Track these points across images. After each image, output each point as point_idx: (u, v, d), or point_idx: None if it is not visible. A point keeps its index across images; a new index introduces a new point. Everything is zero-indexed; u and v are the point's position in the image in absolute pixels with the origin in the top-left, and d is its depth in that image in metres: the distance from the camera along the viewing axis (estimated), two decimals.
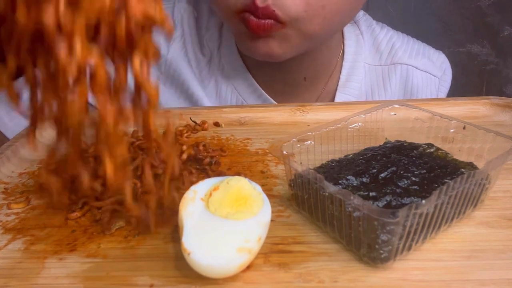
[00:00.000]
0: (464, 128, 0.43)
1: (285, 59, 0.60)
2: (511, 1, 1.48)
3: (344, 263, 0.33)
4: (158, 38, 0.73)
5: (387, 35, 0.77)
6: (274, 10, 0.54)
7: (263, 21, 0.54)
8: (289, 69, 0.68)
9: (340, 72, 0.74)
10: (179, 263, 0.32)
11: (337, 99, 0.73)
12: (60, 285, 0.32)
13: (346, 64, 0.74)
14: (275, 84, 0.71)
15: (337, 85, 0.73)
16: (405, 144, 0.43)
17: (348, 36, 0.74)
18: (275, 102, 0.71)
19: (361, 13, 0.77)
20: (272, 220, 0.35)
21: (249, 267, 0.32)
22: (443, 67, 0.78)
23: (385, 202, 0.34)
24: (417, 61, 0.76)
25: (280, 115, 0.60)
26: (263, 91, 0.70)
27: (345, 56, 0.74)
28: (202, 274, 0.30)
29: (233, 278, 0.31)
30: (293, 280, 0.31)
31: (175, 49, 0.72)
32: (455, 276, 0.31)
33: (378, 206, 0.33)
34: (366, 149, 0.42)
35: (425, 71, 0.76)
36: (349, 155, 0.42)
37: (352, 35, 0.75)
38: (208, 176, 0.44)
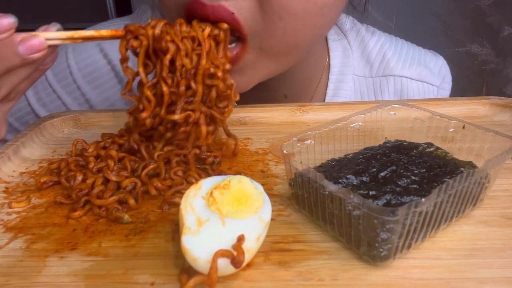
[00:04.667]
0: (463, 127, 0.43)
1: (249, 87, 0.55)
2: (511, 1, 1.49)
3: (344, 261, 0.33)
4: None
5: (377, 44, 0.71)
6: (232, 12, 0.46)
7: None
8: (267, 87, 0.62)
9: (327, 86, 0.69)
10: (180, 261, 0.32)
11: None
12: (61, 283, 0.32)
13: (332, 78, 0.69)
14: (254, 103, 0.64)
15: (324, 100, 0.69)
16: (404, 143, 0.43)
17: (333, 47, 0.69)
18: None
19: (348, 19, 0.72)
20: (272, 219, 0.35)
21: (249, 265, 0.32)
22: (442, 74, 0.74)
23: (385, 201, 0.34)
24: (412, 70, 0.71)
25: (280, 115, 0.60)
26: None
27: (331, 69, 0.69)
28: (202, 272, 0.30)
29: (233, 276, 0.31)
30: (293, 279, 0.31)
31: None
32: (454, 274, 0.31)
33: (377, 204, 0.33)
34: (366, 149, 0.43)
35: (422, 81, 0.72)
36: (349, 154, 0.42)
37: (338, 46, 0.70)
38: (209, 175, 0.44)
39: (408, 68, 0.71)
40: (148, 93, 0.44)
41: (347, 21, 0.72)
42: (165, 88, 0.43)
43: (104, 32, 0.44)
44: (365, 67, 0.71)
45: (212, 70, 0.45)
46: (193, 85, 0.44)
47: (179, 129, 0.45)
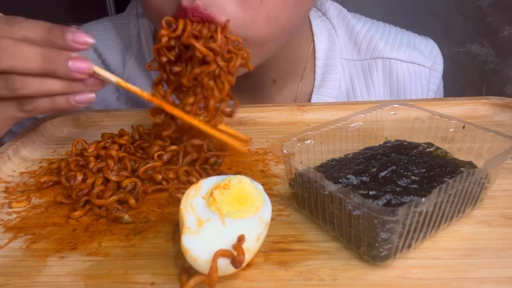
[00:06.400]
0: (463, 127, 0.43)
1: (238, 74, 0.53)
2: (511, 1, 1.49)
3: (344, 261, 0.33)
4: (114, 56, 0.70)
5: (364, 27, 0.70)
6: (205, 9, 0.46)
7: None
8: (254, 73, 0.60)
9: (314, 72, 0.68)
10: (180, 261, 0.32)
11: (314, 101, 0.68)
12: (61, 283, 0.32)
13: (319, 63, 0.68)
14: (245, 90, 0.64)
15: (313, 86, 0.68)
16: (404, 143, 0.43)
17: (318, 32, 0.68)
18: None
19: (332, 5, 0.71)
20: (272, 219, 0.35)
21: (249, 265, 0.32)
22: (433, 55, 0.72)
23: (385, 201, 0.34)
24: (401, 53, 0.70)
25: (280, 115, 0.60)
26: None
27: (317, 54, 0.68)
28: (202, 272, 0.30)
29: (233, 276, 0.31)
30: (294, 278, 0.31)
31: (131, 67, 0.68)
32: (454, 274, 0.31)
33: (378, 204, 0.33)
34: (366, 149, 0.43)
35: (412, 63, 0.70)
36: (349, 154, 0.42)
37: (323, 30, 0.69)
38: (209, 175, 0.44)
39: (397, 50, 0.70)
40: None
41: (329, 5, 0.71)
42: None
43: (145, 95, 0.46)
44: (353, 51, 0.70)
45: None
46: (214, 35, 0.47)
47: (197, 66, 0.47)
